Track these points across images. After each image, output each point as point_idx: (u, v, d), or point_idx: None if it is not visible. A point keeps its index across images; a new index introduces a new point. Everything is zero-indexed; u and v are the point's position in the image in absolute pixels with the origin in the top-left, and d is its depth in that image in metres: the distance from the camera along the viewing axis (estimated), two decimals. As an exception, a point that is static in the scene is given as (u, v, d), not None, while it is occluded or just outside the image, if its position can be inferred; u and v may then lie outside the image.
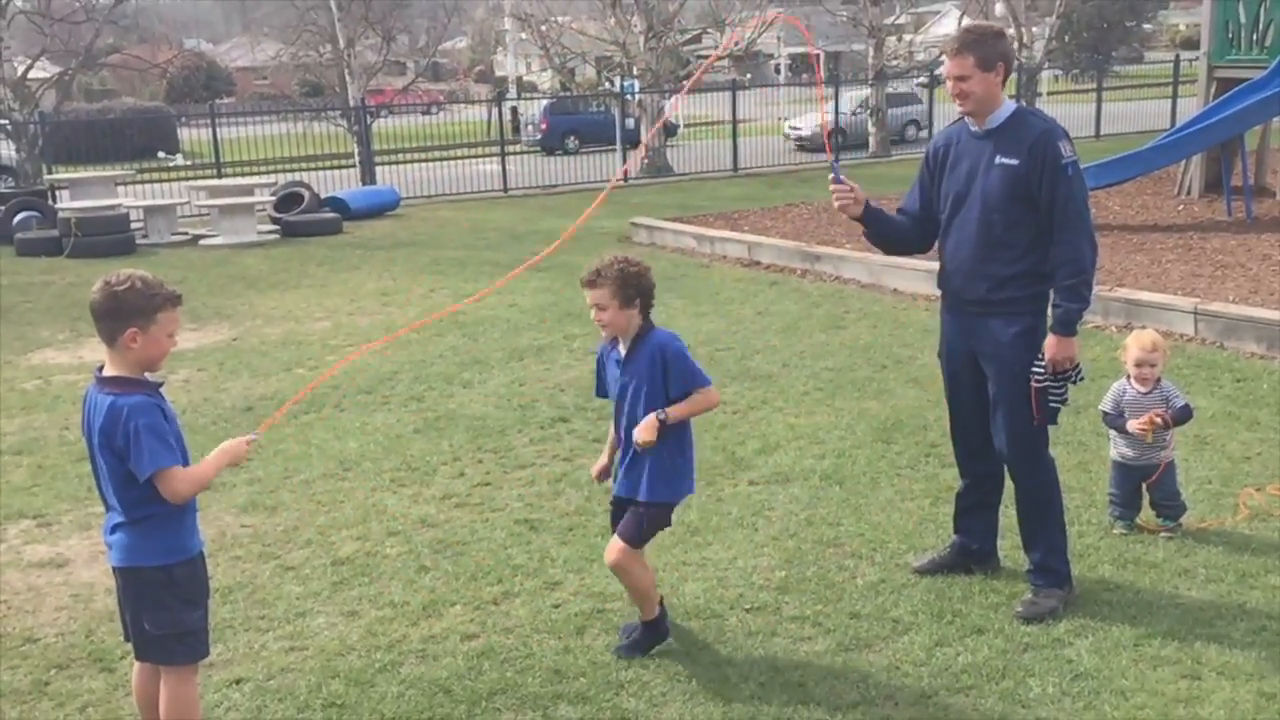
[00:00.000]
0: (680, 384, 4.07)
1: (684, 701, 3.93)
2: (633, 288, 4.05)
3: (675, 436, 4.13)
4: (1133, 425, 5.04)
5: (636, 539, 4.16)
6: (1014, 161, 4.31)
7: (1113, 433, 5.19)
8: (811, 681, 4.03)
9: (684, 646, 4.31)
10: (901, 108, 29.26)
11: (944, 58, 4.50)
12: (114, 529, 3.38)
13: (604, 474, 4.46)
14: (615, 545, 4.18)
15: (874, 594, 4.66)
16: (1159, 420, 4.98)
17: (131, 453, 3.22)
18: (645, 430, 4.04)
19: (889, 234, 4.77)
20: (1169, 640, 4.18)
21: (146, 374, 3.37)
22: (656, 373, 4.06)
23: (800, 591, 4.72)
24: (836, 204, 4.56)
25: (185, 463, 3.33)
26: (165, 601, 3.37)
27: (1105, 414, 5.19)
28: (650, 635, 4.29)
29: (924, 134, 28.62)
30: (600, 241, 15.01)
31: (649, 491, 4.12)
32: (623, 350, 4.17)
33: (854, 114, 28.00)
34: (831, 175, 4.55)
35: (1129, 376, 5.14)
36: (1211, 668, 4.00)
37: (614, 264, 4.08)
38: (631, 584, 4.24)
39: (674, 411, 4.06)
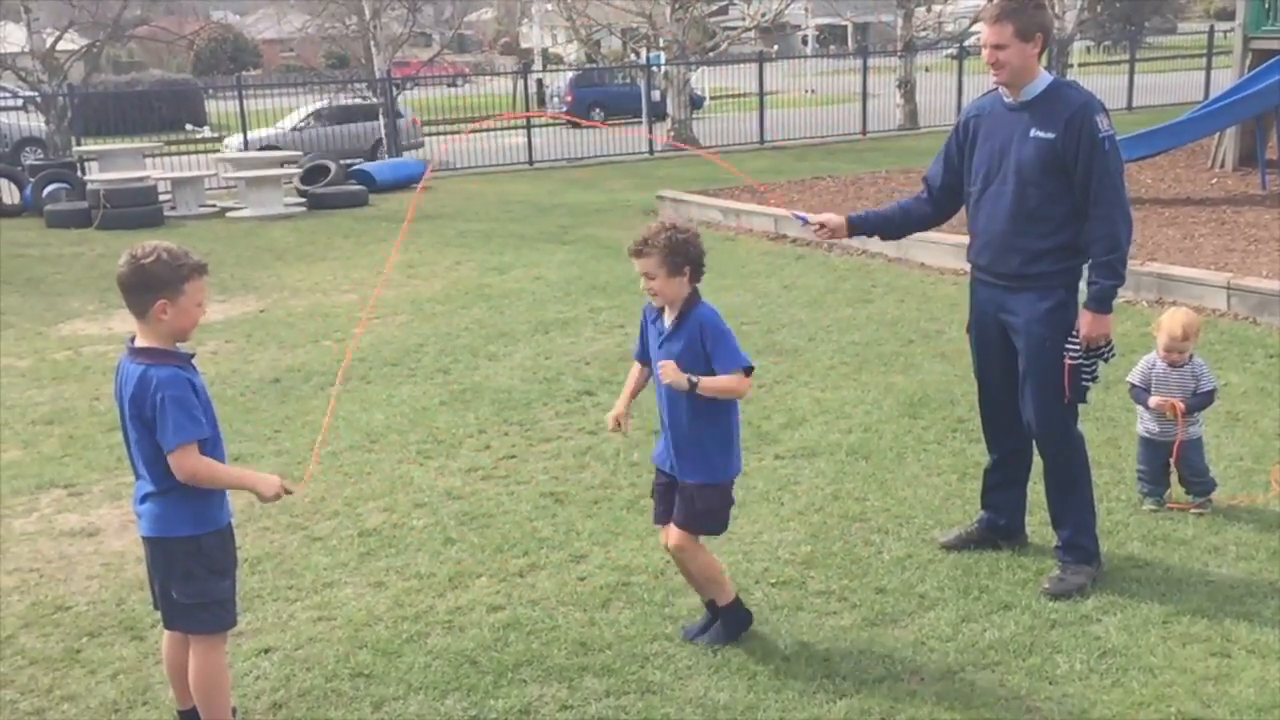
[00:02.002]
0: (724, 363, 3.90)
1: (709, 675, 3.94)
2: (681, 255, 3.90)
3: (723, 416, 3.99)
4: (1153, 401, 5.00)
5: (694, 522, 4.02)
6: (1050, 135, 4.25)
7: (1139, 407, 5.15)
8: (837, 656, 4.02)
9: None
10: (360, 123, 23.73)
11: (981, 24, 4.44)
12: (144, 499, 3.41)
13: (618, 421, 4.17)
14: (673, 530, 4.08)
15: (900, 569, 4.65)
16: (1179, 407, 4.94)
17: (157, 424, 3.24)
18: (671, 372, 3.86)
19: (890, 229, 4.88)
20: (1198, 618, 4.15)
21: (178, 344, 3.39)
22: (697, 348, 3.92)
23: (826, 566, 4.71)
24: (824, 243, 4.75)
25: (211, 438, 3.34)
26: (193, 571, 3.40)
27: (1133, 386, 5.14)
28: (732, 621, 4.15)
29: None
30: (626, 214, 15.00)
31: (708, 471, 3.99)
32: (667, 322, 4.01)
33: (297, 129, 23.35)
34: (801, 223, 4.76)
35: (1160, 351, 5.08)
36: (1241, 645, 3.97)
37: (661, 231, 3.91)
38: (692, 571, 4.14)
39: (706, 383, 3.90)
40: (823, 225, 4.69)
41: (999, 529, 4.78)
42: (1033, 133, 4.29)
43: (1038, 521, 4.82)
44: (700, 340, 3.92)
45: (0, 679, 4.11)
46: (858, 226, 4.76)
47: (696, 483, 3.99)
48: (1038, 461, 4.64)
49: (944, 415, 6.45)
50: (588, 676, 3.96)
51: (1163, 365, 5.06)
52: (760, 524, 5.15)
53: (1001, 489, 4.78)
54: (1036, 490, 4.75)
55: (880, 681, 3.85)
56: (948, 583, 4.51)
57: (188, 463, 3.27)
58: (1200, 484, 5.07)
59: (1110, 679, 3.81)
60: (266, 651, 4.22)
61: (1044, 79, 4.35)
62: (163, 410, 3.23)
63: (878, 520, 5.13)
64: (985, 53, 4.34)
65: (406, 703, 3.85)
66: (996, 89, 4.45)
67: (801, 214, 4.76)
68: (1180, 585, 4.40)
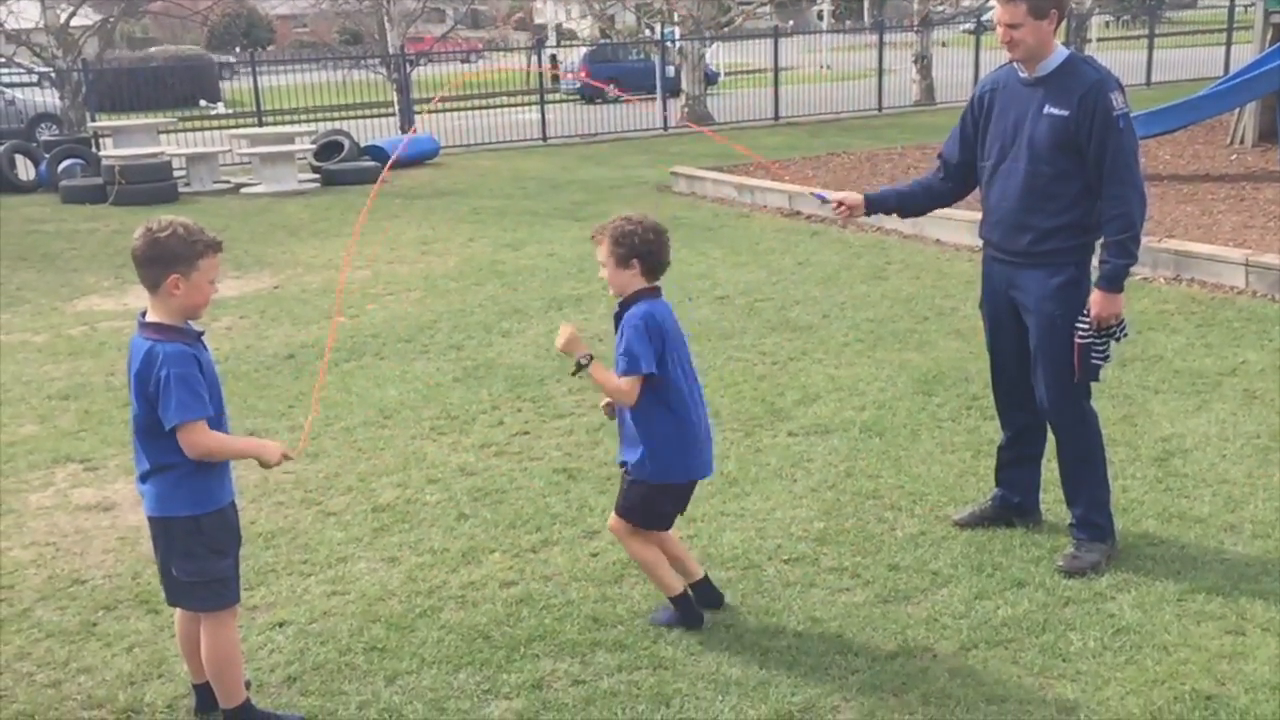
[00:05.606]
0: (618, 360, 3.80)
1: (721, 650, 3.94)
2: (625, 247, 3.80)
3: (673, 413, 3.87)
4: None
5: (624, 512, 4.01)
6: (1064, 112, 4.20)
7: None
8: (850, 632, 4.02)
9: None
10: None
11: (994, 3, 4.39)
12: (143, 477, 3.41)
13: (610, 410, 4.16)
14: (613, 515, 4.11)
15: (913, 546, 4.64)
16: None
17: (161, 400, 3.24)
18: (565, 338, 3.86)
19: (909, 206, 4.85)
20: (1213, 596, 4.13)
21: (189, 322, 3.39)
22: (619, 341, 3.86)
23: (839, 543, 4.71)
24: (840, 221, 4.78)
25: (215, 415, 3.34)
26: (193, 550, 3.39)
27: None
28: (677, 614, 4.09)
29: None
30: (640, 192, 14.97)
31: (636, 468, 3.94)
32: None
33: None
34: (819, 202, 4.77)
35: None
36: (1256, 623, 3.95)
37: (615, 220, 3.86)
38: (633, 557, 4.15)
39: (595, 370, 3.83)
40: (841, 204, 4.67)
41: (1013, 506, 4.77)
42: (1046, 109, 4.24)
43: (1052, 499, 4.80)
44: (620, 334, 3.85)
45: (17, 651, 4.15)
46: (876, 205, 4.73)
47: (632, 473, 3.97)
48: (1052, 438, 4.62)
49: (958, 393, 6.42)
50: (600, 651, 3.97)
51: None
52: (773, 500, 5.15)
53: (1015, 466, 4.76)
54: (1051, 467, 4.73)
55: (893, 658, 3.85)
56: (961, 560, 4.50)
57: (197, 440, 3.27)
58: None
59: (1124, 656, 3.80)
60: (281, 625, 4.25)
61: (1059, 54, 4.30)
62: (166, 387, 3.21)
63: (891, 497, 5.12)
64: (999, 32, 4.29)
65: (420, 676, 3.87)
66: (1012, 62, 4.41)
67: (820, 192, 4.76)
68: (1195, 563, 4.39)
